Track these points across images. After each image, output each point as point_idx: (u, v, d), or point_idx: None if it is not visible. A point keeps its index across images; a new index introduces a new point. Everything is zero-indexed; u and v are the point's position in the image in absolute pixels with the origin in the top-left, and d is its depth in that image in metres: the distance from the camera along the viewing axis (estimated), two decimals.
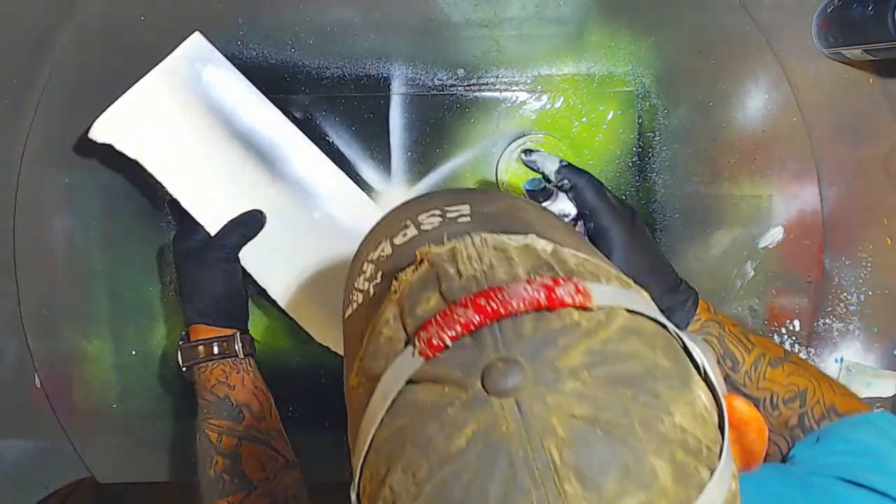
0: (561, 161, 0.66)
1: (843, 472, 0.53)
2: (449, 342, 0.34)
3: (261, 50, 0.83)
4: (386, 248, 0.42)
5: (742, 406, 0.39)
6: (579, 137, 0.84)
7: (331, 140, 0.84)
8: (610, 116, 0.84)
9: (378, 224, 0.46)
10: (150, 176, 0.85)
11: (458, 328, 0.34)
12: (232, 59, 0.82)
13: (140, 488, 0.99)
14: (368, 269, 0.43)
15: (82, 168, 0.84)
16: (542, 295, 0.34)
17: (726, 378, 0.65)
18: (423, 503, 0.32)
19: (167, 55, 0.80)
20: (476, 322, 0.34)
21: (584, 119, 0.84)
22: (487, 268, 0.36)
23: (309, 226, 0.79)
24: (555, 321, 0.34)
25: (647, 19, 0.83)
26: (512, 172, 0.83)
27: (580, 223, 0.67)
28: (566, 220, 0.66)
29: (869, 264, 0.86)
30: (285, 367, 0.88)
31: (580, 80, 0.84)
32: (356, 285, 0.44)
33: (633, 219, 0.66)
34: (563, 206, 0.67)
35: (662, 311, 0.51)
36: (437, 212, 0.42)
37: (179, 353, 0.75)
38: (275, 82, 0.83)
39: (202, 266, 0.75)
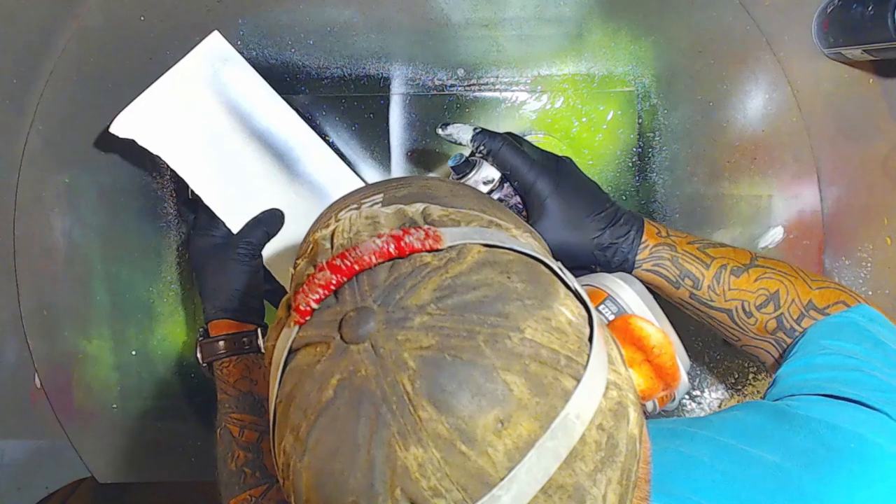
0: (475, 129, 0.67)
1: (823, 387, 0.53)
2: (314, 304, 0.37)
3: (261, 50, 0.83)
4: (309, 244, 0.44)
5: (646, 327, 0.42)
6: (579, 137, 0.84)
7: (331, 140, 0.84)
8: (610, 116, 0.84)
9: (312, 223, 0.49)
10: (152, 176, 0.86)
11: (321, 290, 0.37)
12: None
13: (139, 488, 0.99)
14: (297, 265, 0.45)
15: (82, 168, 0.84)
16: (392, 245, 0.37)
17: (689, 296, 0.65)
18: (308, 459, 0.34)
19: (171, 55, 0.80)
20: (334, 281, 0.36)
21: (584, 119, 0.84)
22: (354, 234, 0.39)
23: None
24: (405, 265, 0.36)
25: (647, 19, 0.83)
26: None
27: (507, 184, 0.68)
28: (492, 184, 0.67)
29: (869, 264, 0.86)
30: None
31: (580, 80, 0.84)
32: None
33: (556, 168, 0.67)
34: (487, 172, 0.67)
35: (607, 246, 0.62)
36: (354, 206, 0.45)
37: (199, 350, 0.75)
38: (275, 82, 0.83)
39: (225, 262, 0.76)
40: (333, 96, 0.83)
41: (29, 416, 0.88)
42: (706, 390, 0.88)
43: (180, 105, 0.78)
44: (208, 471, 0.90)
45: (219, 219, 0.78)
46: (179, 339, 0.88)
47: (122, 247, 0.86)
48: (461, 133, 0.67)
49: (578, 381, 0.35)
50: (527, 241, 0.41)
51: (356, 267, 0.36)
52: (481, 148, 0.66)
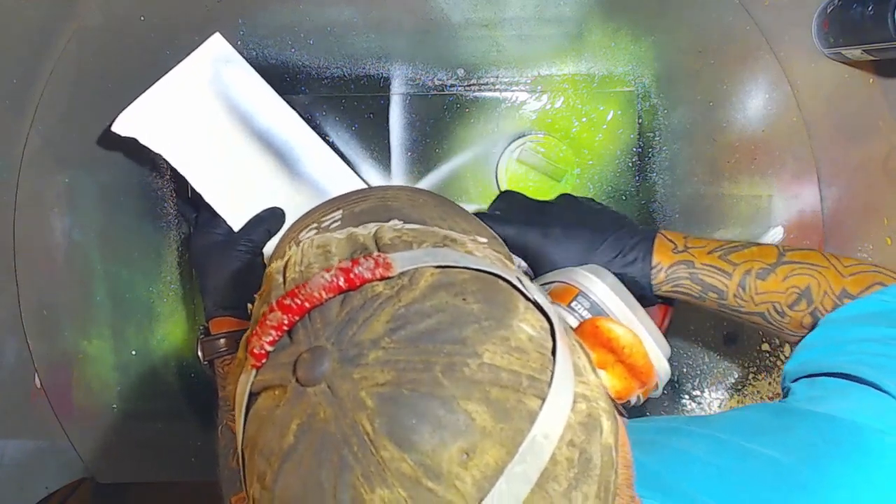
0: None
1: (843, 366, 0.52)
2: (268, 347, 0.36)
3: (261, 50, 0.83)
4: (266, 278, 0.43)
5: (614, 329, 0.41)
6: (579, 137, 0.84)
7: (331, 140, 0.84)
8: (610, 116, 0.84)
9: (274, 249, 0.47)
10: (152, 176, 0.86)
11: (273, 332, 0.35)
12: None
13: (139, 488, 0.99)
14: (255, 300, 0.44)
15: (82, 168, 0.84)
16: (341, 279, 0.35)
17: (718, 307, 0.64)
18: None
19: (171, 55, 0.80)
20: (286, 322, 0.35)
21: (584, 119, 0.84)
22: (305, 267, 0.38)
23: None
24: (357, 298, 0.35)
25: (647, 19, 0.83)
26: (512, 172, 0.83)
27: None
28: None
29: None
30: None
31: (580, 80, 0.84)
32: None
33: (541, 219, 0.66)
34: None
35: (617, 275, 0.62)
36: (314, 225, 0.43)
37: (200, 347, 0.75)
38: (275, 82, 0.83)
39: (227, 259, 0.76)
40: (333, 96, 0.83)
41: (29, 416, 0.88)
42: (706, 390, 0.88)
43: (182, 105, 0.78)
44: (208, 471, 0.90)
45: (220, 217, 0.78)
46: (179, 339, 0.88)
47: (122, 247, 0.86)
48: None
49: (543, 399, 0.34)
50: (483, 253, 0.40)
51: (307, 304, 0.35)
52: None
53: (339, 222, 0.43)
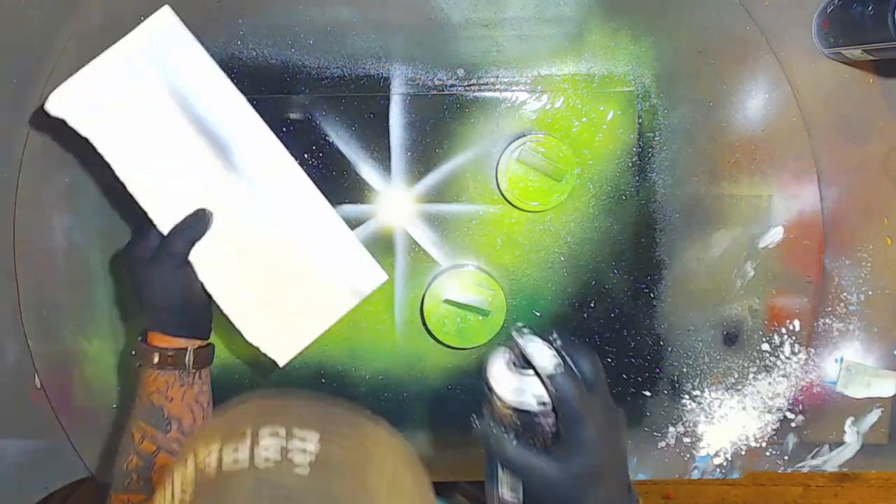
0: (557, 364, 0.54)
1: None
2: None
3: (261, 50, 0.83)
4: (210, 463, 0.38)
5: None
6: (579, 137, 0.84)
7: (331, 140, 0.84)
8: (610, 116, 0.84)
9: (221, 417, 0.41)
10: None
11: None
12: (232, 59, 0.82)
13: None
14: (185, 475, 0.39)
15: (82, 168, 0.84)
16: None
17: None
18: None
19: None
20: None
21: (584, 119, 0.84)
22: None
23: (259, 226, 0.74)
24: None
25: (647, 19, 0.83)
26: (512, 172, 0.83)
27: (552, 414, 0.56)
28: (544, 406, 0.56)
29: (869, 264, 0.86)
30: (285, 368, 0.88)
31: (580, 80, 0.84)
32: (172, 483, 0.39)
33: (605, 424, 0.55)
34: (542, 391, 0.56)
35: None
36: (282, 431, 0.39)
37: (134, 350, 0.73)
38: (275, 82, 0.83)
39: (154, 275, 0.72)
40: (333, 96, 0.83)
41: (29, 416, 0.88)
42: (706, 390, 0.88)
43: (120, 85, 0.71)
44: None
45: (150, 224, 0.73)
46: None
47: (122, 247, 0.86)
48: (537, 357, 0.55)
49: None
50: None
51: None
52: (553, 391, 0.55)
53: (306, 467, 0.37)
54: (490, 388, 0.56)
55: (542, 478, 0.55)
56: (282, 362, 0.76)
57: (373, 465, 0.40)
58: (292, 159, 0.74)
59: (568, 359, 0.55)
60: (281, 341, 0.75)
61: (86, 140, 0.80)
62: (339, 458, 0.39)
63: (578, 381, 0.55)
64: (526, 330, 0.56)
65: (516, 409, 0.56)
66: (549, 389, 0.55)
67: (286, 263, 0.74)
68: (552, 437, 0.56)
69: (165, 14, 0.72)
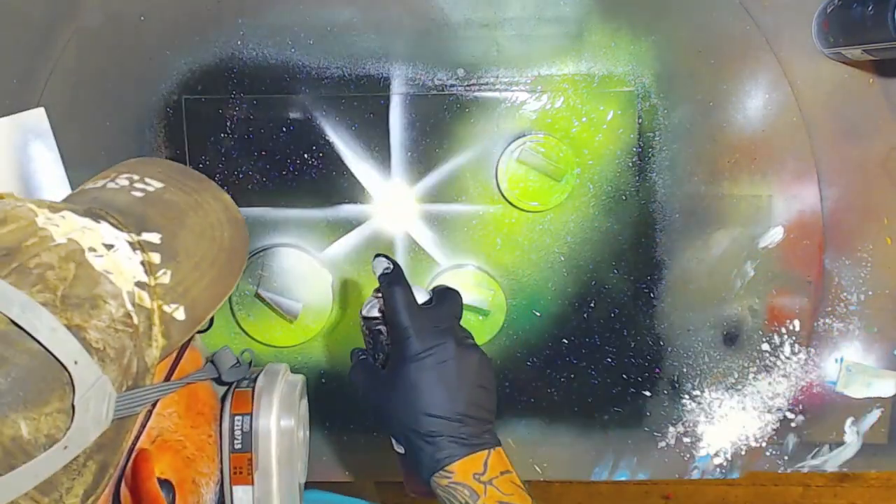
0: (385, 267, 0.60)
1: None
2: None
3: (261, 50, 0.83)
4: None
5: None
6: (579, 137, 0.84)
7: (331, 140, 0.84)
8: (610, 116, 0.84)
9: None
10: None
11: None
12: (232, 58, 0.82)
13: None
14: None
15: (82, 168, 0.84)
16: None
17: None
18: None
19: (171, 55, 0.79)
20: None
21: (584, 119, 0.84)
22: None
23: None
24: None
25: (647, 19, 0.83)
26: (512, 172, 0.83)
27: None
28: (378, 314, 0.61)
29: (869, 264, 0.86)
30: None
31: (580, 80, 0.84)
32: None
33: (419, 351, 0.57)
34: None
35: (417, 448, 0.55)
36: (137, 176, 0.48)
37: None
38: (275, 82, 0.83)
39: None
40: (333, 96, 0.83)
41: None
42: (706, 390, 0.88)
43: None
44: None
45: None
46: None
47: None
48: (375, 265, 0.61)
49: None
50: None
51: None
52: (383, 297, 0.59)
53: (148, 191, 0.47)
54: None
55: (371, 391, 0.59)
56: None
57: (198, 211, 0.47)
58: None
59: (403, 276, 0.60)
60: None
61: (86, 140, 0.81)
62: (171, 199, 0.47)
63: (408, 296, 0.59)
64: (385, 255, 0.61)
65: (364, 320, 0.62)
66: (382, 297, 0.60)
67: None
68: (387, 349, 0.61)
69: (40, 113, 0.82)
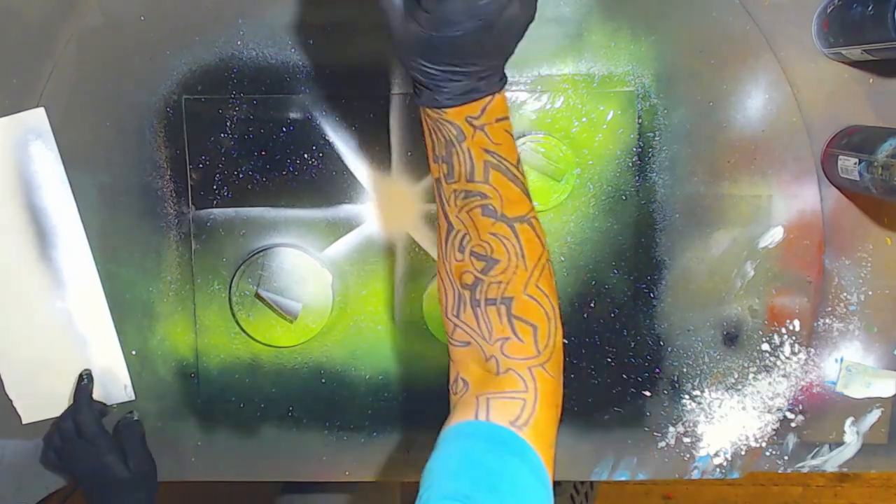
0: None
1: None
2: None
3: (261, 50, 0.83)
4: None
5: None
6: (579, 137, 0.84)
7: (331, 140, 0.84)
8: (610, 116, 0.84)
9: None
10: (152, 176, 0.85)
11: None
12: (232, 58, 0.82)
13: None
14: None
15: (82, 168, 0.84)
16: None
17: (435, 180, 0.55)
18: None
19: (171, 55, 0.80)
20: None
21: (584, 119, 0.84)
22: None
23: (48, 313, 0.86)
24: None
25: (647, 19, 0.83)
26: None
27: None
28: None
29: (869, 264, 0.86)
30: (285, 367, 0.88)
31: (580, 80, 0.84)
32: None
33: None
34: None
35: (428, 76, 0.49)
36: None
37: None
38: (275, 82, 0.83)
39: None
40: (333, 96, 0.83)
41: None
42: (706, 390, 0.88)
43: None
44: (208, 471, 0.91)
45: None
46: (179, 339, 0.88)
47: (122, 247, 0.86)
48: None
49: None
50: None
51: None
52: None
53: None
54: None
55: (393, 22, 0.52)
56: (25, 420, 0.88)
57: None
58: (96, 271, 0.85)
59: None
60: (35, 402, 0.88)
61: (85, 140, 0.80)
62: None
63: None
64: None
65: None
66: None
67: (64, 345, 0.86)
68: None
69: (40, 113, 0.82)
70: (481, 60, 0.51)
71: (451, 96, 0.51)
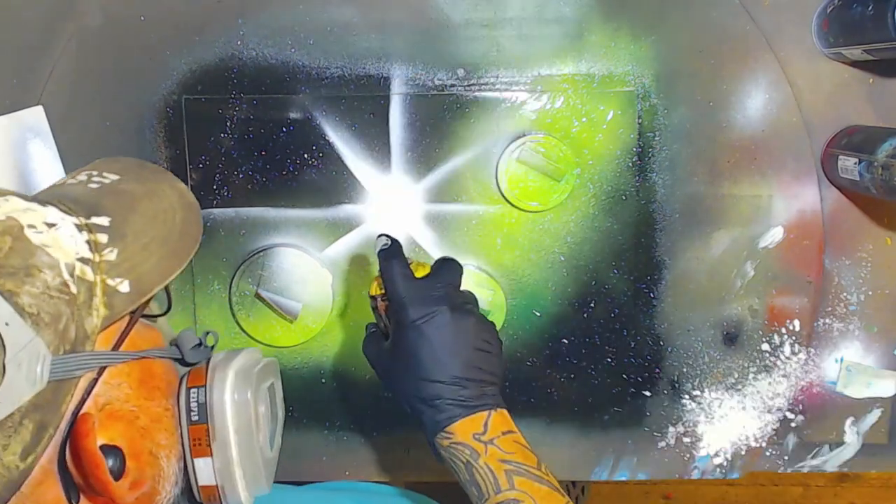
0: (383, 244, 0.63)
1: None
2: None
3: (261, 50, 0.83)
4: None
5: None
6: (579, 137, 0.84)
7: (331, 140, 0.84)
8: (610, 116, 0.84)
9: None
10: None
11: None
12: (232, 58, 0.82)
13: None
14: None
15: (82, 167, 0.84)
16: None
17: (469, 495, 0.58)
18: None
19: (171, 55, 0.79)
20: None
21: (584, 119, 0.84)
22: None
23: None
24: None
25: (647, 19, 0.83)
26: (512, 172, 0.83)
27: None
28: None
29: (869, 264, 0.86)
30: (285, 367, 0.88)
31: (580, 80, 0.84)
32: None
33: (415, 319, 0.59)
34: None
35: (420, 411, 0.58)
36: (96, 172, 0.50)
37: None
38: (275, 82, 0.83)
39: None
40: (333, 96, 0.83)
41: None
42: (706, 390, 0.88)
43: None
44: None
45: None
46: None
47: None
48: (376, 244, 0.64)
49: None
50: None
51: None
52: (380, 270, 0.63)
53: (104, 183, 0.49)
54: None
55: (378, 360, 0.64)
56: None
57: (152, 198, 0.49)
58: None
59: (400, 250, 0.63)
60: None
61: (86, 140, 0.81)
62: (125, 188, 0.49)
63: (404, 268, 0.62)
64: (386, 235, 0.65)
65: (371, 299, 0.66)
66: (380, 272, 0.63)
67: None
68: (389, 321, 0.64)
69: (38, 111, 0.82)
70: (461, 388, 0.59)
71: (449, 414, 0.58)
